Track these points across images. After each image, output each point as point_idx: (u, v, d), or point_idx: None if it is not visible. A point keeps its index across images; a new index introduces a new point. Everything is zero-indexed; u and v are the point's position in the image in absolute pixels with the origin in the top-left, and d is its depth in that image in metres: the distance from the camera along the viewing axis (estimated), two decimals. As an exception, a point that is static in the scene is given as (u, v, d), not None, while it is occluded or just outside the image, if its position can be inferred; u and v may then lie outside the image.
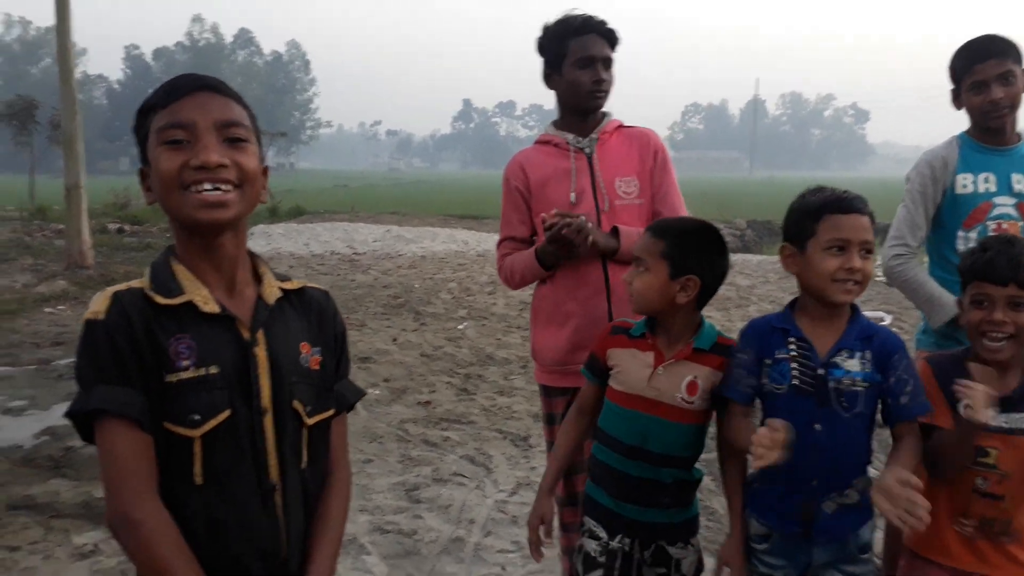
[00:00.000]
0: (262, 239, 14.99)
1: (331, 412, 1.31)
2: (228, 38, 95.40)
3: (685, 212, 2.27)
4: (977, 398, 1.52)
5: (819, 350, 1.65)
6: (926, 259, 2.48)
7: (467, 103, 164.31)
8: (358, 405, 1.63)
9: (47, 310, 7.79)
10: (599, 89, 2.22)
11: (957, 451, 1.64)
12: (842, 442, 1.63)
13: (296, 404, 1.24)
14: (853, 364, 1.64)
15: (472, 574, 2.86)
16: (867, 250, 1.62)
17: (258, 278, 1.29)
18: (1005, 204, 2.30)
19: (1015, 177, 2.30)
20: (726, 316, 7.66)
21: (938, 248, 2.40)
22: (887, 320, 7.19)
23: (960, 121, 2.44)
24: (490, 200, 26.82)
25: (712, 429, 1.81)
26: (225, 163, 1.16)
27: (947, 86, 2.40)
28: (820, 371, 1.63)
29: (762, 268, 11.49)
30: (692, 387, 1.73)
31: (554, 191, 2.25)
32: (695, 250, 1.73)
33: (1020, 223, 2.29)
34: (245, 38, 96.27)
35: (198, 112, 1.16)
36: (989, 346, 1.67)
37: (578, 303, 2.22)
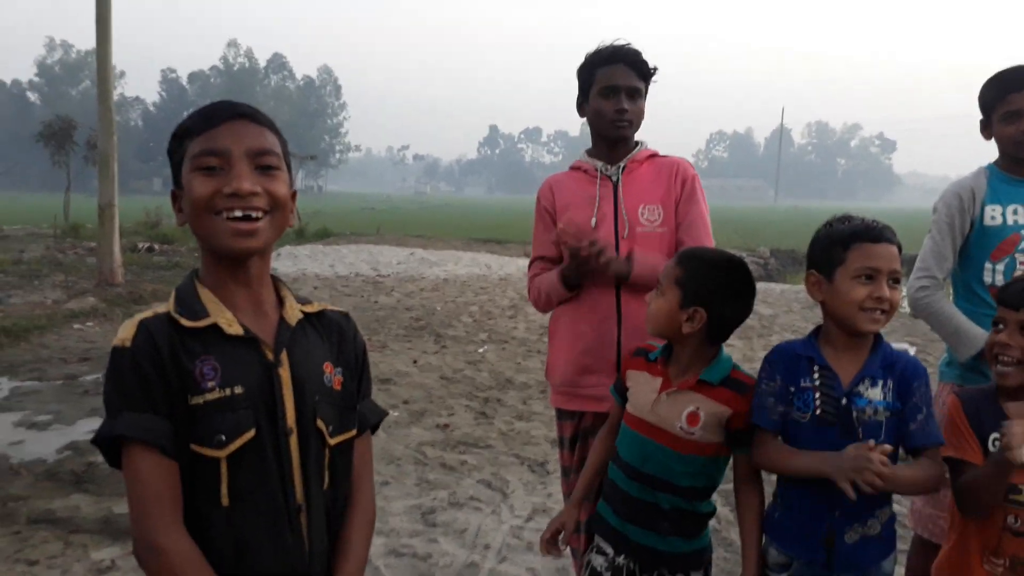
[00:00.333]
0: (288, 260, 15.14)
1: (353, 432, 1.32)
2: (262, 62, 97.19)
3: (711, 243, 2.26)
4: (1018, 436, 1.48)
5: (842, 379, 1.63)
6: (951, 290, 2.44)
7: (493, 129, 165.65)
8: (377, 426, 1.64)
9: (76, 326, 7.91)
10: (621, 119, 2.24)
11: (988, 488, 1.60)
12: None
13: (320, 423, 1.24)
14: (875, 393, 1.62)
15: (487, 601, 2.83)
16: (895, 279, 1.61)
17: (280, 301, 1.31)
18: None
19: None
20: (748, 345, 7.58)
21: (965, 280, 2.37)
22: (911, 352, 7.06)
23: (988, 151, 2.42)
24: (514, 225, 26.94)
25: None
26: (257, 191, 1.18)
27: (976, 116, 2.38)
28: (843, 401, 1.61)
29: (785, 297, 11.37)
30: (692, 418, 1.71)
31: (577, 214, 2.27)
32: (710, 284, 1.71)
33: None
34: (278, 63, 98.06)
35: (232, 140, 1.19)
36: (999, 370, 1.68)
37: (589, 327, 2.25)
